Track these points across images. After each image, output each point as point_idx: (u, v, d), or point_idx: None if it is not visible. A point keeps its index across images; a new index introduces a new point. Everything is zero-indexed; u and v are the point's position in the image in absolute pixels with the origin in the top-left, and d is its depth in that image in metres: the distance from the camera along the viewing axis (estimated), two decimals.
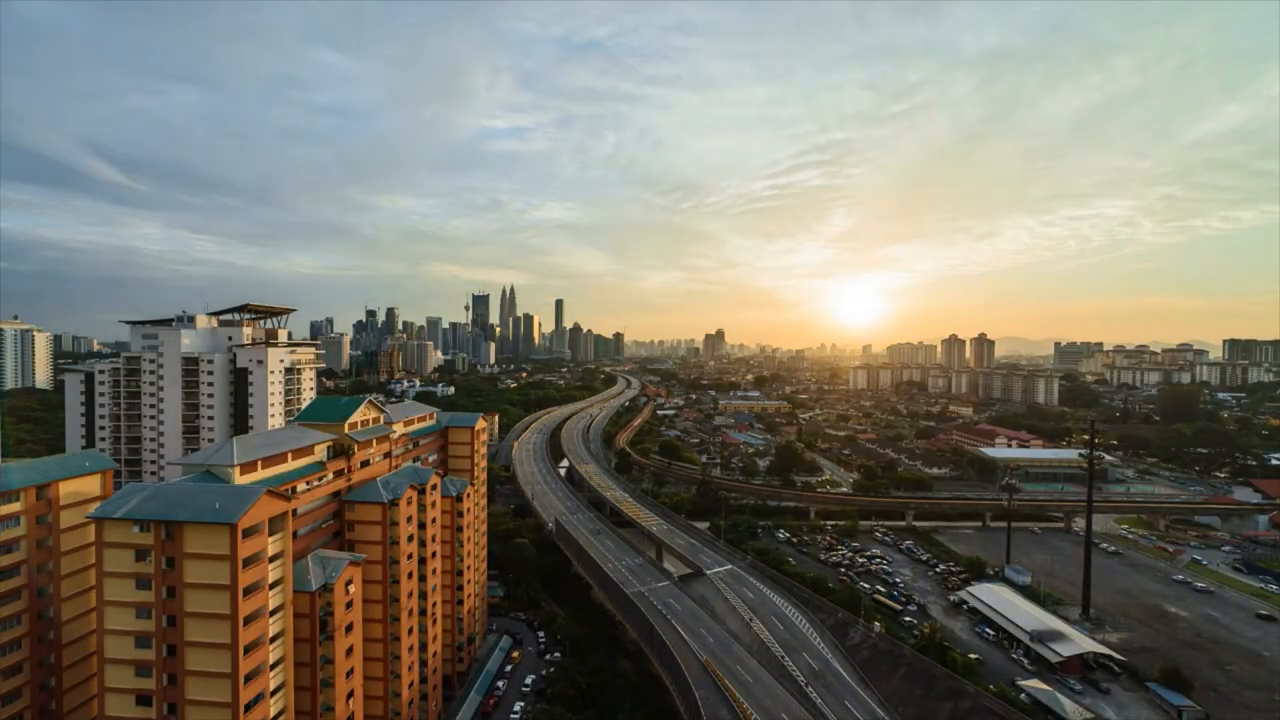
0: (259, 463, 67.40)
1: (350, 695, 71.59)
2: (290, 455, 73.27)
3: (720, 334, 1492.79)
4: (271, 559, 61.52)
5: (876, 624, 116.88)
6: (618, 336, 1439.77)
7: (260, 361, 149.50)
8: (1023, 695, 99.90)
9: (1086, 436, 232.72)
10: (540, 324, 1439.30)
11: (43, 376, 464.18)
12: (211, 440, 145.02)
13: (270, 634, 61.46)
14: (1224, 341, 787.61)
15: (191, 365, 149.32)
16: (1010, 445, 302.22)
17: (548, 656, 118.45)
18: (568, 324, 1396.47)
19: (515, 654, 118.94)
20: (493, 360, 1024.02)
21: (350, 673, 71.83)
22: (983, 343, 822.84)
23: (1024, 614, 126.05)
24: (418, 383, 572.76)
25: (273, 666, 61.90)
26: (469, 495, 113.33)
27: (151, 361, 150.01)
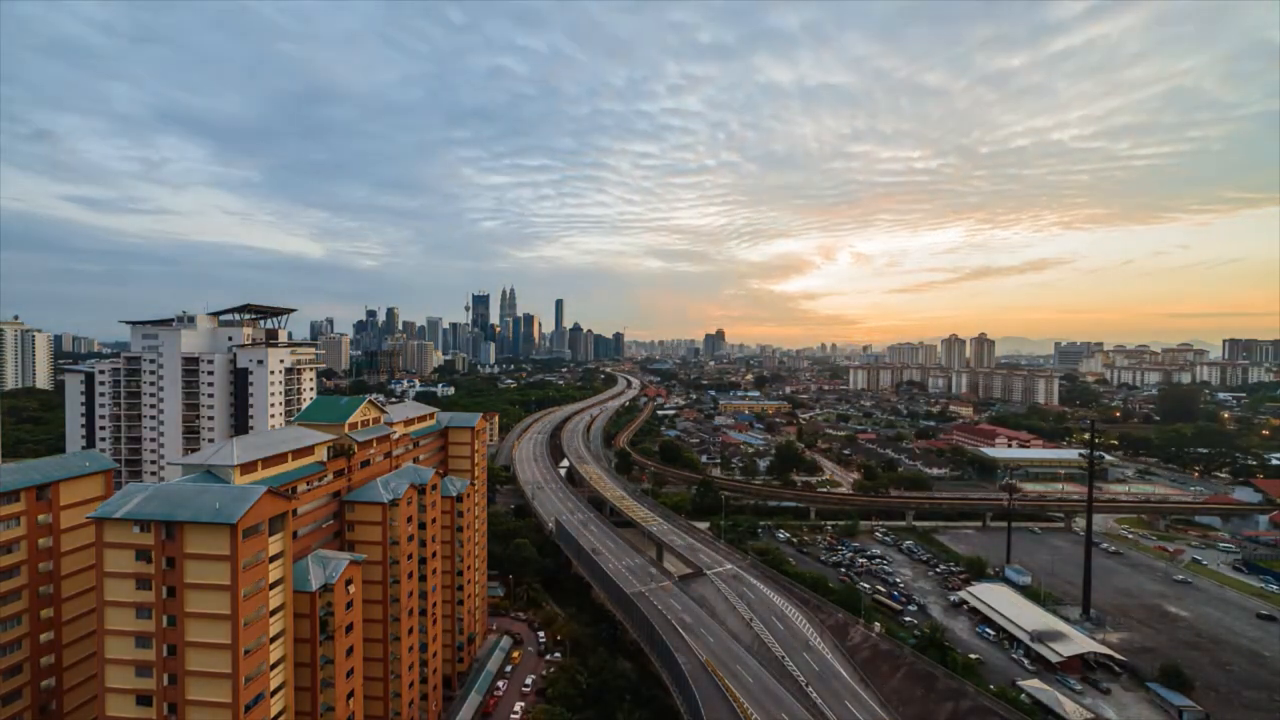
0: (259, 463, 67.35)
1: (350, 695, 71.56)
2: (290, 455, 73.24)
3: (720, 334, 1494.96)
4: (272, 559, 61.48)
5: (877, 624, 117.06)
6: (618, 336, 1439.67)
7: (260, 362, 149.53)
8: (1023, 695, 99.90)
9: (1086, 436, 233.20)
10: (540, 324, 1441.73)
11: (43, 377, 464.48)
12: (211, 440, 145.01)
13: (271, 634, 61.41)
14: (1224, 341, 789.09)
15: (191, 365, 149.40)
16: (1010, 445, 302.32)
17: (548, 656, 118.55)
18: (568, 324, 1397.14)
19: (515, 654, 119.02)
20: (493, 360, 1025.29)
21: (350, 673, 71.81)
22: (983, 343, 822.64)
23: (1024, 614, 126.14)
24: (418, 383, 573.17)
25: (273, 667, 61.86)
26: (469, 495, 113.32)
27: (151, 362, 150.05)
